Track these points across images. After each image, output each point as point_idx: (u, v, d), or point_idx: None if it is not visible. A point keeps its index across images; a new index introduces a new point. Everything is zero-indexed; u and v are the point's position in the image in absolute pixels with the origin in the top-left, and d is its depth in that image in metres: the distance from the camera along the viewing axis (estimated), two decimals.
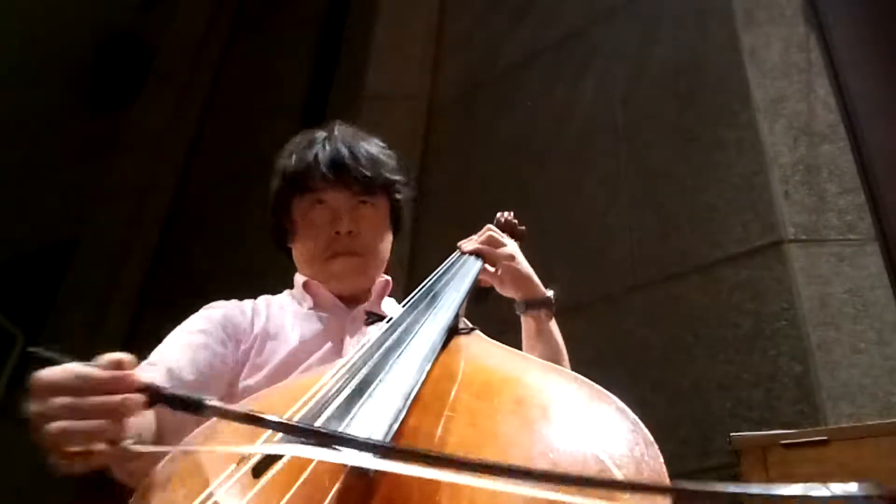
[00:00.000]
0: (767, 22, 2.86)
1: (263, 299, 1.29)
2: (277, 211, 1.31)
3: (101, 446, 0.63)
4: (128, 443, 0.65)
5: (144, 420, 0.83)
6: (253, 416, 0.55)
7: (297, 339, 1.16)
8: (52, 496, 3.87)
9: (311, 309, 1.24)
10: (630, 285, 2.70)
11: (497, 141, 3.54)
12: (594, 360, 2.61)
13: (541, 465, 0.57)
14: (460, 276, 1.10)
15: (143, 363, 1.05)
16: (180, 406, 0.61)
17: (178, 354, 1.09)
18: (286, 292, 1.32)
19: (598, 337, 2.64)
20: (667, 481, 0.57)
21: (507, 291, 1.29)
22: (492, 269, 1.27)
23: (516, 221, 1.54)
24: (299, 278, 1.30)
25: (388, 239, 1.33)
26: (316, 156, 1.24)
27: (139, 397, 0.65)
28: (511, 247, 1.29)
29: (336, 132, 1.29)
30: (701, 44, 2.98)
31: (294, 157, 1.28)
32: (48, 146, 5.68)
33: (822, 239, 2.39)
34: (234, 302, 1.26)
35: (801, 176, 2.52)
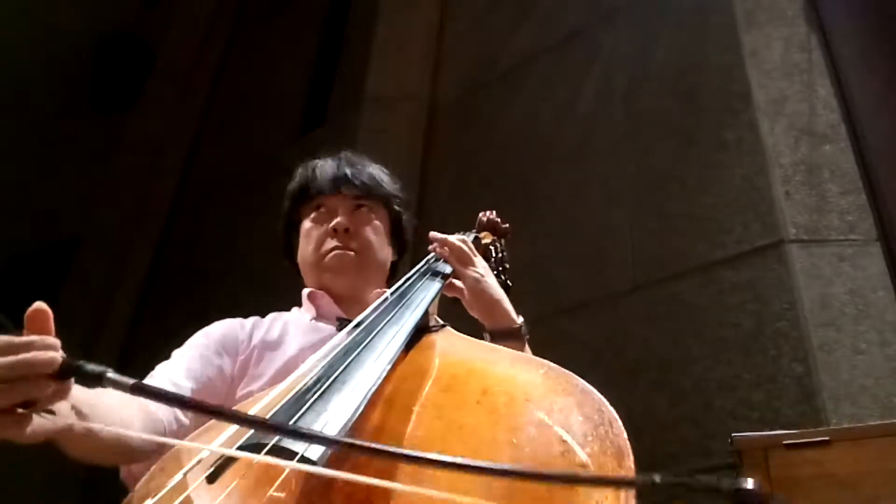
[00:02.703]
0: (768, 22, 2.86)
1: (272, 315, 1.29)
2: (287, 228, 1.37)
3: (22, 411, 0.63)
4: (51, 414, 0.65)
5: (112, 413, 0.82)
6: (164, 394, 0.54)
7: (297, 348, 1.16)
8: (58, 494, 3.88)
9: (313, 319, 1.25)
10: (631, 285, 2.70)
11: (498, 141, 3.54)
12: (595, 360, 2.62)
13: (504, 450, 0.58)
14: (431, 276, 1.11)
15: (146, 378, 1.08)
16: (83, 375, 0.61)
17: (174, 365, 1.11)
18: (295, 308, 1.33)
19: (599, 337, 2.65)
20: (630, 455, 0.58)
21: (473, 313, 1.23)
22: (459, 284, 1.22)
23: (499, 220, 1.54)
24: (305, 291, 1.31)
25: (387, 248, 1.35)
26: (319, 167, 1.34)
27: (47, 359, 0.64)
28: (480, 267, 1.23)
29: (341, 154, 1.37)
30: (702, 44, 2.98)
31: (299, 174, 1.37)
32: (50, 146, 5.69)
33: (824, 239, 2.38)
34: (236, 319, 1.27)
35: (802, 176, 2.52)
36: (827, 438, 1.58)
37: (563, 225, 3.00)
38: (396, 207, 1.38)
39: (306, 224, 1.32)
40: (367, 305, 1.24)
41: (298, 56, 5.06)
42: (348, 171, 1.31)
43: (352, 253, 1.26)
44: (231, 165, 4.93)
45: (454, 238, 1.25)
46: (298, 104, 4.80)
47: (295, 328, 1.22)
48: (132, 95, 5.73)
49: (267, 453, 0.54)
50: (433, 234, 1.28)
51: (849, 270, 2.31)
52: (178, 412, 1.02)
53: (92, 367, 0.61)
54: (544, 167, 3.25)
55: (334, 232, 1.26)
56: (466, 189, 3.51)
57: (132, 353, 4.35)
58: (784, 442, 1.59)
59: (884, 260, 2.32)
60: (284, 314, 1.30)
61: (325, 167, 1.33)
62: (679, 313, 2.53)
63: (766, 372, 2.23)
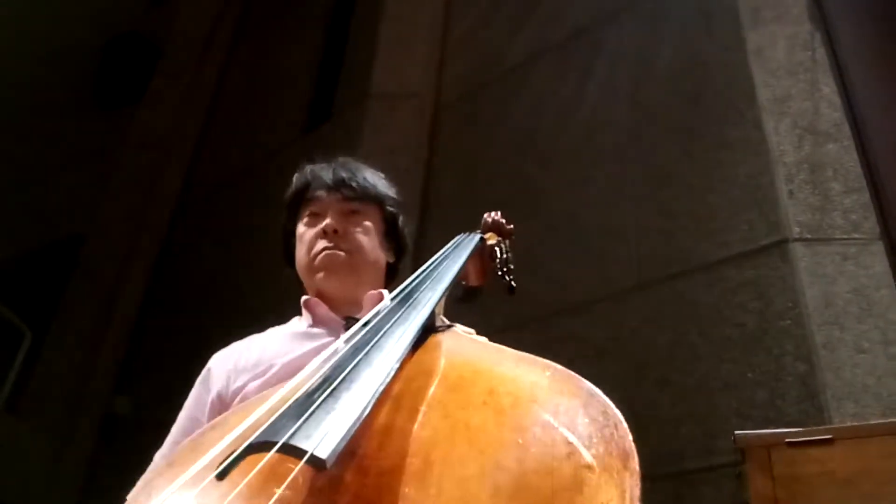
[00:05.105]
0: (773, 21, 2.86)
1: (270, 330, 1.32)
2: (287, 236, 1.38)
3: None
4: None
5: None
6: None
7: (290, 353, 1.18)
8: (59, 489, 3.90)
9: (310, 326, 1.27)
10: (635, 284, 2.70)
11: (502, 140, 3.54)
12: (599, 358, 2.62)
13: (510, 450, 0.59)
14: (437, 276, 1.10)
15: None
16: None
17: (164, 450, 1.19)
18: (295, 318, 1.35)
19: (603, 335, 2.65)
20: (635, 457, 0.59)
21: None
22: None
23: (504, 221, 1.54)
24: (302, 299, 1.32)
25: (380, 249, 1.36)
26: (312, 172, 1.36)
27: None
28: None
29: (337, 160, 1.39)
30: (706, 43, 2.98)
31: (294, 180, 1.39)
32: (55, 144, 5.70)
33: (827, 238, 2.38)
34: (231, 346, 1.29)
35: (805, 175, 2.52)
36: (830, 437, 1.58)
37: (567, 223, 3.00)
38: (390, 209, 1.39)
39: (300, 229, 1.33)
40: (363, 306, 1.25)
41: (303, 53, 5.06)
42: (342, 175, 1.32)
43: (341, 253, 1.28)
44: (236, 162, 4.94)
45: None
46: (303, 101, 4.80)
47: (291, 337, 1.25)
48: (138, 93, 5.75)
49: (276, 451, 0.54)
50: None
51: (852, 269, 2.31)
52: None
53: None
54: (548, 165, 3.26)
55: (324, 234, 1.28)
56: (470, 186, 3.51)
57: (138, 349, 4.37)
58: (787, 440, 1.59)
59: (887, 258, 2.32)
60: (283, 326, 1.32)
61: (318, 172, 1.35)
62: (683, 312, 2.53)
63: (770, 370, 2.24)
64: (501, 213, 1.55)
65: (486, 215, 1.55)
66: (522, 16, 3.85)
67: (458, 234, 1.40)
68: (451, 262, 1.18)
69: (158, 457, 1.17)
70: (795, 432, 1.62)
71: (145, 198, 5.08)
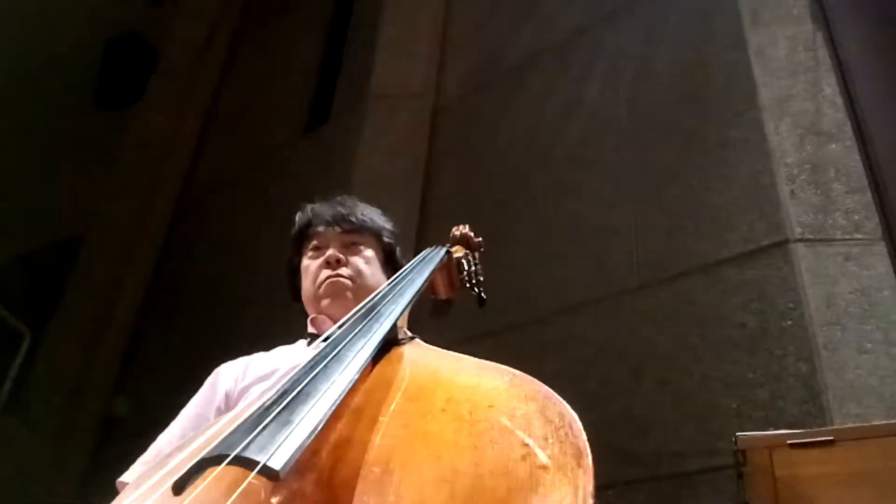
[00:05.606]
0: (774, 21, 2.85)
1: (278, 348, 1.39)
2: (293, 272, 1.47)
3: None
4: None
5: None
6: None
7: (294, 362, 1.22)
8: (59, 489, 3.90)
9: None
10: (635, 285, 2.69)
11: (502, 140, 3.54)
12: (599, 359, 2.62)
13: (466, 454, 0.61)
14: (401, 290, 1.14)
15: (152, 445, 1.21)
16: None
17: (170, 435, 1.25)
18: (302, 340, 1.41)
19: (603, 336, 2.64)
20: (588, 455, 0.60)
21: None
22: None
23: (472, 234, 1.60)
24: (309, 317, 1.39)
25: (380, 275, 1.43)
26: (314, 210, 1.47)
27: None
28: None
29: (336, 198, 1.49)
30: (707, 43, 2.98)
31: (297, 218, 1.48)
32: (55, 144, 5.70)
33: (829, 238, 2.38)
34: (240, 358, 1.36)
35: (807, 175, 2.51)
36: (831, 438, 1.57)
37: (567, 224, 3.00)
38: (387, 239, 1.48)
39: (305, 262, 1.43)
40: None
41: (303, 54, 5.06)
42: (340, 211, 1.43)
43: (345, 280, 1.36)
44: (235, 163, 4.93)
45: None
46: (303, 102, 4.80)
47: (294, 351, 1.32)
48: (136, 94, 5.74)
49: (230, 463, 0.55)
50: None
51: (854, 270, 2.31)
52: None
53: None
54: (548, 166, 3.25)
55: (327, 264, 1.38)
56: (470, 187, 3.51)
57: (138, 349, 4.36)
58: (788, 441, 1.59)
59: (889, 259, 2.31)
60: (289, 345, 1.38)
61: (318, 210, 1.45)
62: (683, 312, 2.52)
63: (771, 371, 2.23)
64: (470, 227, 1.61)
65: (454, 229, 1.61)
66: (522, 16, 3.85)
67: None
68: (416, 275, 1.21)
69: (160, 442, 1.22)
70: (797, 433, 1.62)
71: (145, 198, 5.08)
